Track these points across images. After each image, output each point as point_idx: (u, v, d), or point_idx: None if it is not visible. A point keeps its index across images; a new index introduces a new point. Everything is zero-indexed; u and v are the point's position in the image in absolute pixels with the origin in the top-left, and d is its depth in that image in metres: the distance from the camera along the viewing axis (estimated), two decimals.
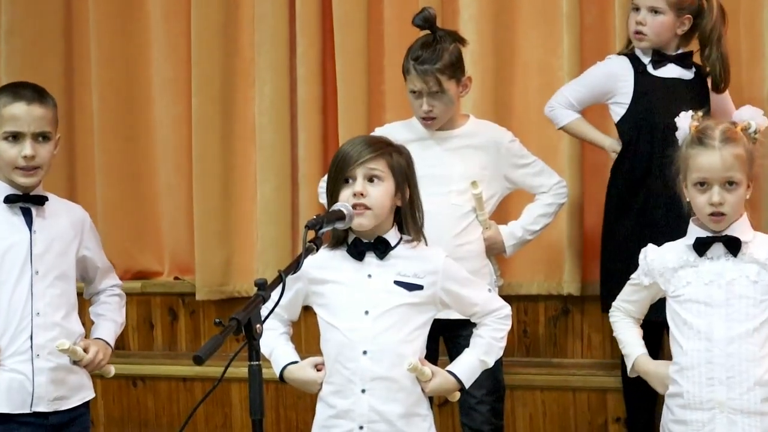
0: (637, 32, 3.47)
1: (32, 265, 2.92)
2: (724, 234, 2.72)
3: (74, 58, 4.61)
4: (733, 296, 2.70)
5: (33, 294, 2.91)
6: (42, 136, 2.92)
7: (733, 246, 2.71)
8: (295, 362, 2.74)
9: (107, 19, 4.50)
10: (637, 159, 3.48)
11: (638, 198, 3.47)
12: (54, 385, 2.92)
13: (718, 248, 2.73)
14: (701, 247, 2.73)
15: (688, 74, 3.50)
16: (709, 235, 2.73)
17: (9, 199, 2.93)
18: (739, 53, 3.80)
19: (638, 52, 3.53)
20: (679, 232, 2.82)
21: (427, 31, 3.35)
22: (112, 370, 3.12)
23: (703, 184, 2.69)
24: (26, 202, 2.95)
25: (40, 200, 2.97)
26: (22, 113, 2.89)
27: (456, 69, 3.32)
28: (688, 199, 2.75)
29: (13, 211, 2.94)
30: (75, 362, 2.97)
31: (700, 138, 2.70)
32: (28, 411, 2.88)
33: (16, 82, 3.04)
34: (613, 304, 2.98)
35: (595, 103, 3.66)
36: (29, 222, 2.95)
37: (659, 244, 2.85)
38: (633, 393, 3.52)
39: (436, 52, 3.28)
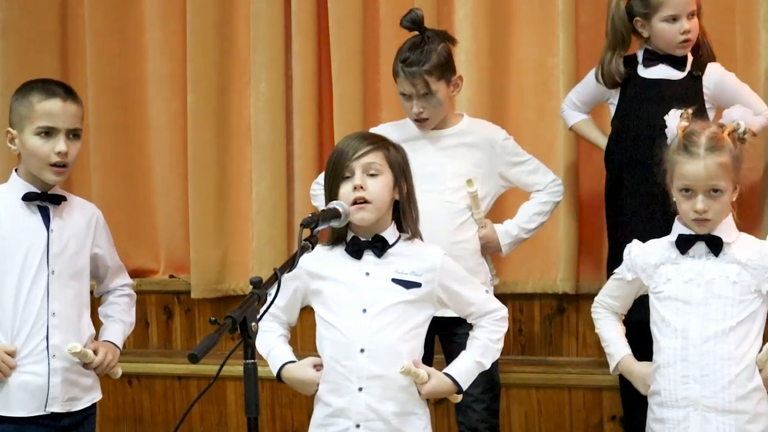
0: (687, 41, 3.41)
1: (49, 264, 2.89)
2: (706, 233, 2.73)
3: (70, 56, 4.60)
4: (712, 296, 2.71)
5: (49, 294, 2.88)
6: (74, 134, 2.90)
7: (715, 245, 2.72)
8: (294, 362, 2.73)
9: (103, 17, 4.49)
10: (621, 159, 3.48)
11: (623, 197, 3.47)
12: (68, 385, 2.91)
13: (700, 247, 2.74)
14: (683, 244, 2.75)
15: (677, 74, 3.46)
16: (692, 233, 2.74)
17: (28, 197, 2.89)
18: (735, 52, 3.80)
19: (638, 53, 3.52)
20: (657, 232, 2.84)
21: (416, 32, 3.34)
22: (119, 371, 3.10)
23: (687, 191, 2.70)
24: (44, 200, 2.92)
25: (58, 199, 2.94)
26: (58, 109, 2.86)
27: (445, 69, 3.30)
28: (674, 199, 2.76)
29: (31, 210, 2.91)
30: (85, 365, 2.95)
31: (685, 145, 2.70)
32: (43, 413, 2.87)
33: (44, 78, 2.98)
34: (596, 299, 2.99)
35: (598, 103, 3.69)
36: (46, 221, 2.92)
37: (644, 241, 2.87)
38: (629, 391, 3.52)
39: (423, 54, 3.26)
